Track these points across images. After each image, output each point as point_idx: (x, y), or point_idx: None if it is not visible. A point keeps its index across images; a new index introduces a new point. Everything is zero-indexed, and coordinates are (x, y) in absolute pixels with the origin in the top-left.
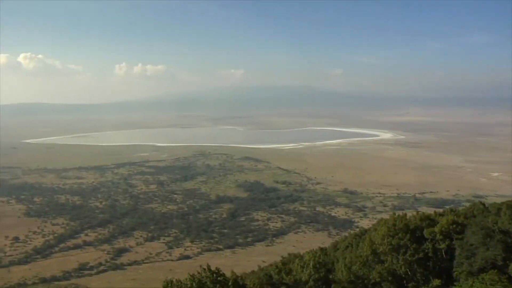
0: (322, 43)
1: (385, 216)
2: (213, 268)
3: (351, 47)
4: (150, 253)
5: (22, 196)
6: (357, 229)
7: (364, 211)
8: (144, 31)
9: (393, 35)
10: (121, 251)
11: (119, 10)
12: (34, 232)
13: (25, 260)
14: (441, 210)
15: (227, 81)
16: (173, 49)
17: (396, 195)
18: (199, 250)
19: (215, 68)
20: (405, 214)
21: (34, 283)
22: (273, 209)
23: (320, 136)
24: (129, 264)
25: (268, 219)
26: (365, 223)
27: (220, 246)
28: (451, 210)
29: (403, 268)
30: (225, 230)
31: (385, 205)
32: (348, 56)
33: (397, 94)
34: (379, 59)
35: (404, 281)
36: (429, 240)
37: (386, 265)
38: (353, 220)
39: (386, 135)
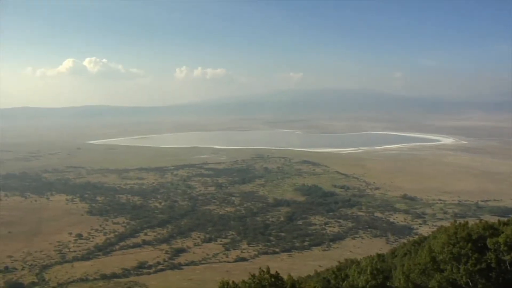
0: (382, 45)
1: (446, 223)
2: (272, 272)
3: (412, 49)
4: (207, 254)
5: (86, 195)
6: (416, 236)
7: (424, 218)
8: (204, 34)
9: (456, 37)
10: (179, 251)
11: (180, 15)
12: (96, 230)
13: (87, 256)
14: (505, 219)
15: (286, 84)
16: (233, 52)
17: (457, 202)
18: (256, 252)
19: (274, 72)
20: (467, 222)
21: (95, 279)
22: (331, 213)
23: (379, 141)
24: (187, 264)
25: (326, 224)
26: (425, 230)
27: (277, 249)
28: None
29: (463, 278)
30: (282, 234)
31: (445, 212)
32: (408, 58)
33: (460, 98)
34: (441, 62)
35: None
36: (492, 251)
37: (445, 274)
38: (412, 226)
39: (447, 140)
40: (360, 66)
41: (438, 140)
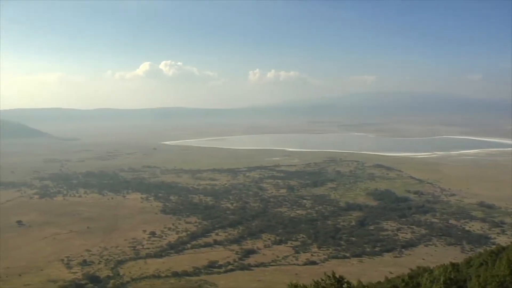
0: (459, 47)
1: None
2: (337, 276)
3: (491, 51)
4: (277, 256)
5: (160, 194)
6: (494, 246)
7: (502, 227)
8: (277, 37)
9: None
10: (249, 252)
11: (253, 17)
12: (169, 229)
13: (160, 254)
14: None
15: (360, 87)
16: (306, 55)
17: None
18: (326, 256)
19: (347, 74)
20: None
21: (167, 276)
22: (404, 219)
23: (456, 145)
24: (256, 266)
25: (398, 230)
26: (503, 240)
27: (347, 254)
28: None
29: None
30: (353, 238)
31: None
32: (488, 61)
33: None
34: None
35: None
36: None
37: None
38: (489, 236)
39: None
40: (437, 69)
41: None
